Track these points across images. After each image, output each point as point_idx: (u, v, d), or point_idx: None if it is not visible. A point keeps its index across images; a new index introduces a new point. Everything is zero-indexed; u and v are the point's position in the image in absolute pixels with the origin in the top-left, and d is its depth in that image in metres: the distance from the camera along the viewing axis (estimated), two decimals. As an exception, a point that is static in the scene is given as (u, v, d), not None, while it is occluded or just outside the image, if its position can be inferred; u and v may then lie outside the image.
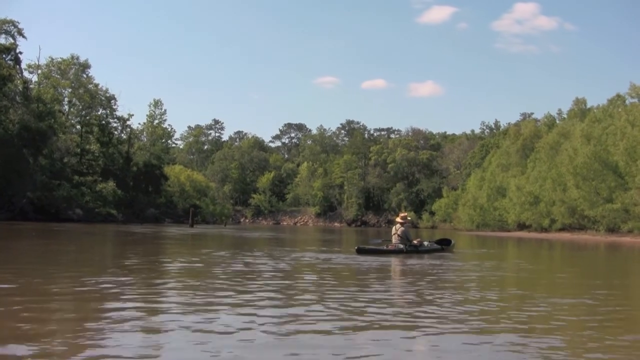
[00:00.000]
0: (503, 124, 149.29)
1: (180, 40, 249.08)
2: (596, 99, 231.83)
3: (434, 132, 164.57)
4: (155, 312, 8.42)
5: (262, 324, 7.48)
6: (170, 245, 28.33)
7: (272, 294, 10.37)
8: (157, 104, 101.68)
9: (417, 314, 8.64)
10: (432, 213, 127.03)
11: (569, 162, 61.13)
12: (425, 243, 24.64)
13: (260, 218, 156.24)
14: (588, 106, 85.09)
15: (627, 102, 70.03)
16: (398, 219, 23.80)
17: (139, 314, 8.14)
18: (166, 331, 6.99)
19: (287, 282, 12.80)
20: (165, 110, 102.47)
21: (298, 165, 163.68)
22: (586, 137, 62.19)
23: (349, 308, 8.97)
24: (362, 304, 9.40)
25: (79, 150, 79.44)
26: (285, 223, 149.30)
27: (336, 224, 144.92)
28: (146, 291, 10.55)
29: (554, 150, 73.20)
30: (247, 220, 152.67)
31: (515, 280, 14.93)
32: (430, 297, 10.51)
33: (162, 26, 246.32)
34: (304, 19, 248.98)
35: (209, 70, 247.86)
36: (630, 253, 34.19)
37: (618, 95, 72.14)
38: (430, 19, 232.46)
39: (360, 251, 22.05)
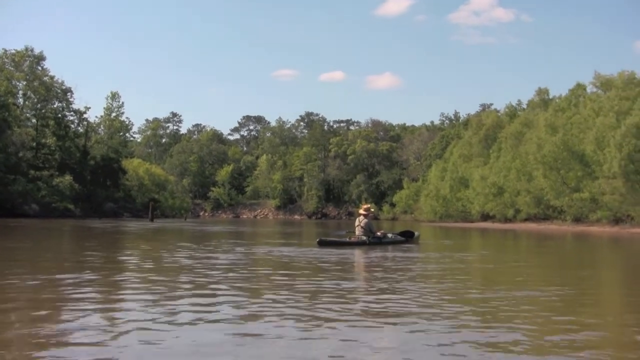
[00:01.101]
0: (463, 114, 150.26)
1: (136, 32, 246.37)
2: (554, 89, 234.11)
3: (394, 123, 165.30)
4: (112, 310, 8.17)
5: (221, 321, 7.30)
6: (132, 241, 27.66)
7: (232, 290, 10.09)
8: (114, 96, 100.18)
9: (379, 308, 8.44)
10: (393, 204, 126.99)
11: (536, 151, 61.10)
12: (389, 235, 24.48)
13: (219, 211, 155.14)
14: (550, 96, 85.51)
15: (587, 90, 70.17)
16: (361, 211, 23.68)
17: (96, 312, 7.89)
18: (123, 330, 6.67)
19: (247, 276, 12.45)
20: (122, 103, 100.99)
21: (257, 157, 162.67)
22: (550, 127, 62.29)
23: (308, 302, 8.78)
24: (323, 298, 9.21)
25: (34, 144, 78.03)
26: (245, 216, 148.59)
27: (296, 216, 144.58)
28: (104, 289, 10.16)
29: (517, 140, 73.23)
30: (207, 214, 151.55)
31: (481, 272, 14.72)
32: (392, 290, 10.32)
33: (119, 18, 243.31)
34: (261, 12, 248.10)
35: (167, 62, 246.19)
36: (598, 242, 34.25)
37: (579, 85, 72.43)
38: (387, 11, 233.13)
39: (322, 243, 21.89)
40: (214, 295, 9.25)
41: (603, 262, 20.96)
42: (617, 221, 52.41)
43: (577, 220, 58.06)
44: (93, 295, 9.32)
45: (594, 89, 66.19)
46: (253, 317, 7.57)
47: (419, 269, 14.81)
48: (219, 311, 7.91)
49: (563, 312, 8.40)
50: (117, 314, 7.71)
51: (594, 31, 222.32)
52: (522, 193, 67.09)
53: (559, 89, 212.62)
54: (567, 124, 60.86)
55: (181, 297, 9.11)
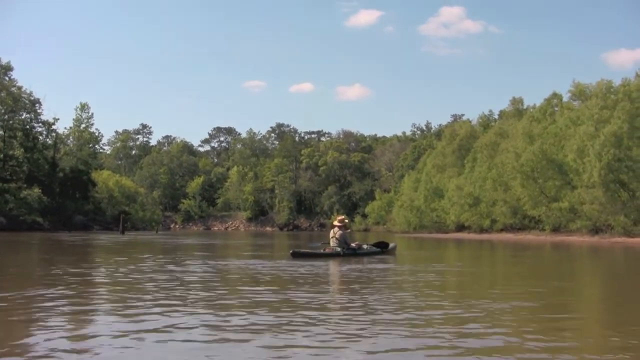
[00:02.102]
0: (434, 125, 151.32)
1: (105, 43, 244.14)
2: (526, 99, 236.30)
3: (365, 134, 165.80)
4: (78, 331, 7.58)
5: (189, 334, 7.12)
6: (103, 255, 26.80)
7: (204, 303, 9.83)
8: (83, 107, 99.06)
9: (350, 320, 8.18)
10: (365, 216, 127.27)
11: (514, 160, 60.91)
12: (365, 246, 24.19)
13: (190, 224, 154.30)
14: (524, 106, 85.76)
15: (564, 99, 70.25)
16: (335, 223, 23.36)
17: (66, 328, 7.60)
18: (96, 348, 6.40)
19: (218, 290, 11.86)
20: (92, 114, 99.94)
21: (228, 169, 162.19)
22: (528, 135, 62.26)
23: (281, 315, 8.53)
24: (294, 311, 8.92)
25: (1, 155, 76.46)
26: (216, 228, 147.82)
27: (268, 228, 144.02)
28: (70, 306, 9.61)
29: (493, 150, 73.11)
30: (177, 226, 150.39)
31: (456, 284, 14.36)
32: (365, 303, 10.00)
33: (87, 28, 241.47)
34: (231, 23, 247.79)
35: (136, 74, 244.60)
36: (578, 252, 34.01)
37: (555, 94, 72.51)
38: (357, 22, 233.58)
39: (296, 255, 21.54)
40: (183, 310, 8.95)
41: (585, 272, 20.71)
42: (596, 231, 52.42)
43: (555, 230, 58.07)
44: (59, 311, 8.90)
45: (574, 97, 66.27)
46: (222, 331, 7.31)
47: (392, 281, 14.54)
48: (187, 327, 7.61)
49: (540, 325, 8.13)
50: (82, 335, 7.21)
51: (562, 43, 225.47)
52: (498, 203, 66.93)
53: (528, 100, 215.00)
54: (543, 133, 60.93)
55: (150, 312, 8.69)
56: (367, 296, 10.94)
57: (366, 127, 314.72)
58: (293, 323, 7.84)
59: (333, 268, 17.86)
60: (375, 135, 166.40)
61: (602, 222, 51.73)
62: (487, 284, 14.35)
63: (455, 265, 22.12)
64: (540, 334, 7.35)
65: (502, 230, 68.25)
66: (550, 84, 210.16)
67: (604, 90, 55.47)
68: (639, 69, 57.65)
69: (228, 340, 6.79)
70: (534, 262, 25.34)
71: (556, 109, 69.31)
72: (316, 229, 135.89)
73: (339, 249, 22.26)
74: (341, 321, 8.09)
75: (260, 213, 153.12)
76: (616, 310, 10.06)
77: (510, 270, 20.11)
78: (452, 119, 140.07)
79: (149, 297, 10.43)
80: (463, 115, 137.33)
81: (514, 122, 74.23)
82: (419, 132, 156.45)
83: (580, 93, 62.36)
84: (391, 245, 25.83)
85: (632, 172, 49.75)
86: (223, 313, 8.70)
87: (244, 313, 8.72)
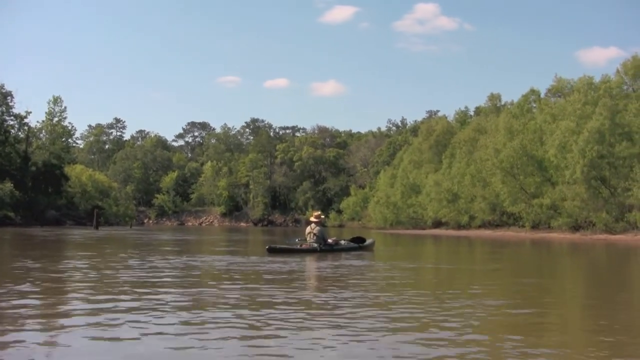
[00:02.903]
0: (409, 121, 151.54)
1: (80, 37, 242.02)
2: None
3: (340, 130, 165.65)
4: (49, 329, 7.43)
5: (164, 334, 7.04)
6: (79, 251, 26.41)
7: (178, 302, 9.67)
8: (56, 101, 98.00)
9: (324, 319, 8.08)
10: (340, 211, 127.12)
11: (494, 156, 60.65)
12: (342, 242, 24.16)
13: (164, 219, 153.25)
14: (502, 102, 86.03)
15: (541, 95, 70.64)
16: (312, 219, 23.28)
17: (38, 325, 7.58)
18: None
19: (192, 288, 11.73)
20: (65, 108, 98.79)
21: (202, 164, 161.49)
22: (509, 130, 62.07)
23: (256, 313, 8.42)
24: (269, 309, 8.79)
25: (-29, 149, 75.90)
26: (190, 223, 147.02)
27: (242, 223, 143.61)
28: (42, 304, 9.39)
29: (471, 146, 72.89)
30: (151, 221, 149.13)
31: (433, 281, 14.40)
32: (340, 300, 9.95)
33: (62, 22, 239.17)
34: (205, 18, 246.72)
35: (110, 68, 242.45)
36: (559, 249, 34.04)
37: (532, 90, 72.72)
38: (332, 18, 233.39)
39: (272, 251, 21.39)
40: (156, 309, 8.76)
41: (565, 269, 20.67)
42: (577, 228, 52.55)
43: (535, 227, 58.12)
44: (28, 309, 8.64)
45: (549, 94, 66.45)
46: (198, 330, 7.22)
47: (370, 277, 14.50)
48: (160, 324, 7.56)
49: (517, 324, 8.14)
50: (53, 333, 7.11)
51: (536, 40, 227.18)
52: (477, 199, 66.91)
53: (502, 96, 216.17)
54: (523, 129, 61.01)
55: (122, 311, 8.52)
56: (343, 294, 10.84)
57: (341, 123, 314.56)
58: (267, 322, 7.72)
59: (310, 264, 17.71)
60: (350, 131, 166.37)
61: (583, 218, 51.85)
62: (464, 281, 14.23)
63: (433, 262, 22.03)
64: (517, 333, 7.33)
65: (480, 226, 68.14)
66: (525, 81, 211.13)
67: (585, 86, 55.69)
68: (620, 65, 57.14)
69: (201, 339, 6.71)
70: (513, 259, 25.32)
71: (534, 105, 69.59)
72: (291, 225, 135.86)
73: (316, 245, 22.14)
74: (318, 319, 8.06)
75: (234, 208, 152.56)
76: (596, 309, 9.97)
77: (489, 268, 19.94)
78: (428, 115, 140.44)
79: (122, 295, 10.22)
80: (438, 111, 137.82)
81: (493, 118, 74.23)
82: (394, 128, 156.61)
83: (560, 89, 62.65)
84: (369, 241, 25.85)
85: (614, 168, 49.87)
86: (197, 311, 8.58)
87: (217, 310, 8.68)
